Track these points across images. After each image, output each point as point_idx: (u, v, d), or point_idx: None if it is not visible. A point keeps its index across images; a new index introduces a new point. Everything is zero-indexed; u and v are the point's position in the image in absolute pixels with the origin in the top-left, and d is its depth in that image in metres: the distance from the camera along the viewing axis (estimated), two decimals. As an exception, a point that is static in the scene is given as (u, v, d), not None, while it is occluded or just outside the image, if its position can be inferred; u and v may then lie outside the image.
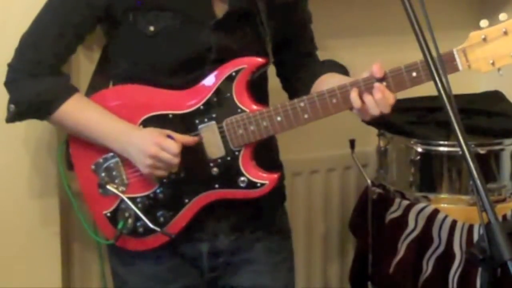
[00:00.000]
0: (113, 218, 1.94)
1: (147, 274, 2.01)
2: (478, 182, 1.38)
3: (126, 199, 1.91)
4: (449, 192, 2.63)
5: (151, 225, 1.90)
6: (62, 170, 2.01)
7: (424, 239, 2.59)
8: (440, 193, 2.64)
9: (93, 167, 1.94)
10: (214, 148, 1.88)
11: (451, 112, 1.42)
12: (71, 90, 1.92)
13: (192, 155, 1.86)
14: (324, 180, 3.03)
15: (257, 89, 1.92)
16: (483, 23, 1.78)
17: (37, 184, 2.34)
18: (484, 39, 1.77)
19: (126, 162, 1.91)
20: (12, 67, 1.92)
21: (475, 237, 2.53)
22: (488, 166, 2.60)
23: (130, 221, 1.92)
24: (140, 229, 1.92)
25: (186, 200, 1.91)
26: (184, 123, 1.88)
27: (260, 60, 1.87)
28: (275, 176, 1.90)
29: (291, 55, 2.09)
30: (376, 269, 2.75)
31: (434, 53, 1.48)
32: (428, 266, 2.60)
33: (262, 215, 2.03)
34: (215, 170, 1.88)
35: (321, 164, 3.02)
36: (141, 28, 1.87)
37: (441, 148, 2.63)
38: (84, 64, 2.26)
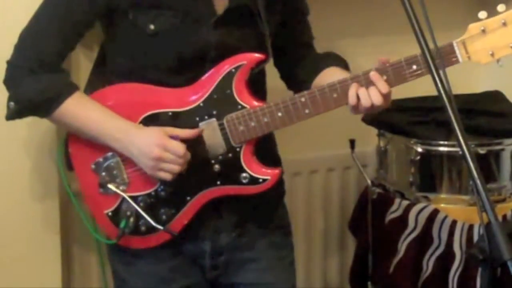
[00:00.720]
0: (115, 217, 1.94)
1: (148, 273, 2.01)
2: (478, 182, 1.38)
3: (127, 198, 1.91)
4: (449, 192, 2.63)
5: (153, 223, 1.89)
6: (62, 171, 2.01)
7: (424, 239, 2.59)
8: (440, 193, 2.64)
9: (93, 166, 1.94)
10: (215, 145, 1.87)
11: (451, 112, 1.42)
12: (71, 88, 1.91)
13: (194, 152, 1.86)
14: (324, 180, 3.03)
15: (256, 85, 1.92)
16: (482, 14, 1.79)
17: (38, 184, 2.34)
18: (483, 31, 1.78)
19: (127, 161, 1.91)
20: (12, 64, 1.91)
21: (475, 237, 2.53)
22: (488, 166, 2.60)
23: (132, 220, 1.91)
24: (143, 228, 1.92)
25: (188, 198, 1.91)
26: (184, 120, 1.88)
27: (259, 56, 1.88)
28: (277, 171, 1.90)
29: (291, 46, 2.09)
30: (376, 269, 2.75)
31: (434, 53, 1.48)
32: (428, 266, 2.60)
33: (263, 210, 2.03)
34: (216, 167, 1.88)
35: (321, 164, 3.02)
36: (141, 27, 1.86)
37: (441, 148, 2.63)
38: (84, 64, 2.26)
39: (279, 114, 1.85)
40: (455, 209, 2.60)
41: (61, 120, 1.93)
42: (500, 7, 1.78)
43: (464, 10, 3.22)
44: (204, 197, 1.91)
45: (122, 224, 1.92)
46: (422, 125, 2.73)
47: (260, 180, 1.89)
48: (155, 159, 1.82)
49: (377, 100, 1.81)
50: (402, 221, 2.63)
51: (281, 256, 2.10)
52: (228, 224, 2.00)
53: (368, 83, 1.81)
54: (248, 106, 1.86)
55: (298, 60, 2.09)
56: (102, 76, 1.98)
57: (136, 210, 1.90)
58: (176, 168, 1.84)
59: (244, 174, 1.88)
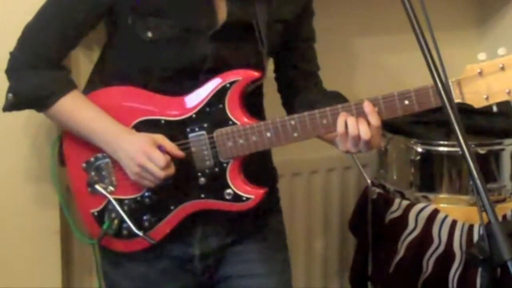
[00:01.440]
0: (100, 217, 1.95)
1: (137, 276, 2.01)
2: (478, 182, 1.38)
3: (112, 201, 1.92)
4: (449, 192, 2.63)
5: (134, 229, 1.90)
6: (53, 165, 2.01)
7: (424, 239, 2.59)
8: (440, 193, 2.64)
9: (84, 165, 1.95)
10: (203, 158, 1.88)
11: (451, 112, 1.42)
12: (69, 86, 1.92)
13: (181, 163, 1.86)
14: (324, 180, 3.03)
15: (253, 105, 1.92)
16: (481, 56, 1.73)
17: (38, 184, 2.34)
18: (480, 73, 1.74)
19: (117, 164, 1.91)
20: (14, 57, 1.92)
21: (475, 237, 2.53)
22: (488, 166, 2.60)
23: (115, 222, 1.92)
24: (125, 232, 1.93)
25: (172, 207, 1.91)
26: (175, 130, 1.88)
27: (255, 73, 1.86)
28: (261, 191, 1.89)
29: (294, 73, 2.08)
30: (376, 269, 2.75)
31: (434, 53, 1.48)
32: (428, 266, 2.60)
33: (253, 216, 2.01)
34: (202, 180, 1.89)
35: (321, 164, 3.02)
36: (139, 33, 1.86)
37: (441, 148, 2.63)
38: (83, 64, 2.26)
39: (268, 134, 1.84)
40: (455, 209, 2.60)
41: (55, 117, 1.95)
42: (501, 50, 1.72)
43: (464, 10, 3.23)
44: (188, 208, 1.91)
45: (105, 226, 1.93)
46: (422, 125, 2.73)
47: (244, 198, 1.88)
48: (138, 166, 1.83)
49: (365, 132, 1.77)
50: (402, 221, 2.63)
51: (273, 250, 2.09)
52: (216, 229, 1.99)
53: (359, 113, 1.79)
54: (238, 123, 1.86)
55: (299, 90, 2.07)
56: (101, 77, 1.99)
57: (120, 215, 1.91)
58: (156, 179, 1.84)
59: (228, 190, 1.88)
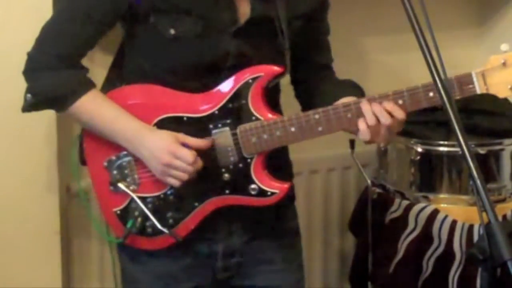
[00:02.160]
0: (123, 216, 1.94)
1: (160, 272, 2.01)
2: (478, 182, 1.38)
3: (136, 199, 1.91)
4: (449, 192, 2.64)
5: (159, 226, 1.90)
6: (75, 164, 2.00)
7: (424, 239, 2.59)
8: (440, 193, 2.64)
9: (105, 163, 1.94)
10: (227, 154, 1.87)
11: (451, 112, 1.42)
12: (88, 86, 1.91)
13: (205, 160, 1.86)
14: (324, 180, 3.03)
15: (270, 100, 1.92)
16: (504, 46, 1.75)
17: (38, 184, 2.34)
18: (504, 64, 1.75)
19: (139, 162, 1.90)
20: (31, 58, 1.91)
21: (475, 237, 2.53)
22: (488, 166, 2.60)
23: (139, 220, 1.91)
24: (149, 229, 1.92)
25: (196, 204, 1.91)
26: (198, 127, 1.87)
27: (277, 68, 1.87)
28: (286, 186, 1.90)
29: (309, 65, 2.08)
30: (376, 269, 2.75)
31: (434, 53, 1.48)
32: (428, 266, 2.60)
33: (274, 214, 2.02)
34: (226, 176, 1.88)
35: (321, 164, 3.02)
36: (162, 30, 1.86)
37: (441, 148, 2.63)
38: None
39: (292, 129, 1.85)
40: (455, 209, 2.60)
41: (76, 116, 1.93)
42: (503, 46, 1.74)
43: (464, 10, 3.23)
44: (212, 205, 1.91)
45: (129, 224, 1.92)
46: (422, 125, 2.73)
47: (269, 193, 1.88)
48: (165, 165, 1.83)
49: (386, 120, 1.80)
50: (402, 221, 2.63)
51: (290, 258, 2.11)
52: (240, 228, 2.00)
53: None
54: (262, 118, 1.86)
55: (315, 83, 2.07)
56: (120, 76, 1.98)
57: (144, 212, 1.91)
58: (184, 175, 1.84)
59: (253, 186, 1.88)
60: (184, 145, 1.84)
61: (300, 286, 2.15)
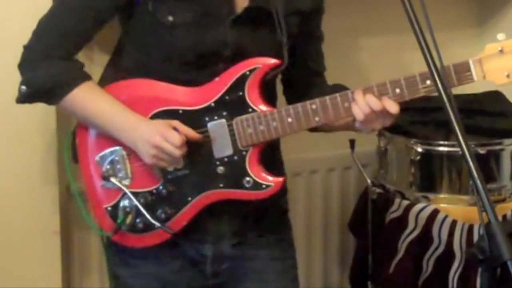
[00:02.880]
0: (114, 212, 1.93)
1: (150, 275, 2.00)
2: (478, 182, 1.38)
3: (128, 193, 1.91)
4: (449, 192, 2.63)
5: (151, 219, 1.89)
6: (67, 161, 2.00)
7: (424, 239, 2.59)
8: (440, 193, 2.64)
9: (97, 159, 1.94)
10: (222, 146, 1.87)
11: (451, 112, 1.42)
12: (83, 77, 1.92)
13: (199, 152, 1.86)
14: (324, 180, 3.03)
15: (268, 94, 1.91)
16: (500, 36, 1.75)
17: (38, 184, 2.34)
18: (501, 51, 1.75)
19: (132, 156, 1.91)
20: (28, 48, 1.91)
21: (475, 237, 2.53)
22: (488, 166, 2.60)
23: (130, 216, 1.91)
24: (140, 225, 1.91)
25: (189, 198, 1.90)
26: (193, 119, 1.87)
27: (275, 61, 1.86)
28: (280, 179, 1.88)
29: (301, 70, 2.08)
30: (376, 269, 2.75)
31: (434, 53, 1.48)
32: (428, 266, 2.60)
33: (265, 222, 2.02)
34: (221, 168, 1.88)
35: (321, 164, 3.02)
36: (160, 18, 1.86)
37: (441, 148, 2.63)
38: (84, 64, 2.26)
39: (289, 119, 1.84)
40: (455, 209, 2.60)
41: (70, 108, 1.93)
42: (500, 36, 1.75)
43: (464, 10, 3.23)
44: (206, 199, 1.90)
45: (120, 220, 1.91)
46: (422, 125, 2.73)
47: (263, 186, 1.87)
48: (155, 147, 1.82)
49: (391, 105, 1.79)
50: (402, 221, 2.63)
51: (283, 269, 2.08)
52: (229, 231, 1.98)
53: (380, 95, 1.80)
54: (258, 110, 1.86)
55: (306, 88, 2.07)
56: (116, 71, 1.98)
57: (135, 206, 1.90)
58: (170, 159, 1.83)
59: (247, 178, 1.87)
60: (176, 129, 1.84)
61: None
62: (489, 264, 1.39)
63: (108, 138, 1.92)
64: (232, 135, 1.86)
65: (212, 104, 1.87)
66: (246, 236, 2.01)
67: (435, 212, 2.58)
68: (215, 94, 1.87)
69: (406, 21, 1.48)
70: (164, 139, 1.82)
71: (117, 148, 1.92)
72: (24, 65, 1.91)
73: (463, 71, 1.76)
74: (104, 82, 1.98)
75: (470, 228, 2.54)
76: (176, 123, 1.85)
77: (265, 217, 2.01)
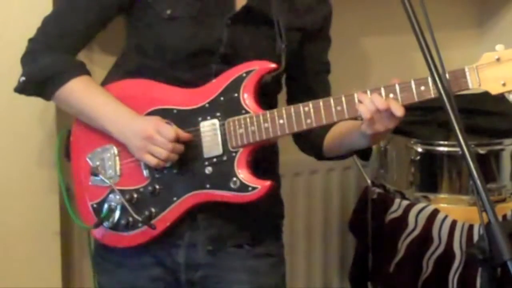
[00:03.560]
0: (98, 209, 1.93)
1: (128, 282, 1.99)
2: (478, 182, 1.38)
3: (115, 188, 1.90)
4: (449, 192, 2.63)
5: (135, 216, 1.88)
6: (58, 157, 2.01)
7: (424, 239, 2.59)
8: (440, 193, 2.64)
9: (89, 155, 1.95)
10: (212, 146, 1.86)
11: (451, 112, 1.42)
12: (82, 70, 1.93)
13: (188, 152, 1.86)
14: (324, 180, 3.03)
15: (268, 100, 1.91)
16: (499, 47, 1.75)
17: (38, 184, 2.34)
18: (498, 60, 1.74)
19: (122, 154, 1.91)
20: (31, 41, 1.94)
21: (475, 237, 2.53)
22: (488, 166, 2.60)
23: (114, 214, 1.91)
24: (123, 222, 1.91)
25: (175, 198, 1.89)
26: (187, 119, 1.87)
27: (271, 65, 1.86)
28: (268, 183, 1.85)
29: (304, 92, 2.04)
30: (376, 269, 2.75)
31: (434, 53, 1.48)
32: (428, 266, 2.60)
33: (248, 233, 1.99)
34: (209, 169, 1.87)
35: (321, 164, 3.00)
36: (158, 10, 1.87)
37: (441, 148, 2.63)
38: (85, 62, 2.26)
39: (281, 121, 1.83)
40: (455, 209, 2.60)
41: (66, 100, 1.93)
42: (498, 47, 1.73)
43: (464, 10, 3.23)
44: (191, 200, 1.89)
45: (103, 214, 1.91)
46: (422, 125, 2.73)
47: (250, 188, 1.84)
48: (146, 138, 1.82)
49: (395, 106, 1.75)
50: (402, 221, 2.63)
51: (267, 284, 2.02)
52: (204, 238, 1.95)
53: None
54: (251, 112, 1.86)
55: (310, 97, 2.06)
56: (117, 73, 1.99)
57: (121, 203, 1.90)
58: (163, 152, 1.82)
59: (234, 179, 1.85)
60: (169, 124, 1.84)
61: None
62: (489, 264, 1.39)
63: (101, 137, 1.92)
64: (223, 135, 1.86)
65: (207, 105, 1.87)
66: (223, 245, 1.97)
67: (435, 212, 2.59)
68: (211, 95, 1.87)
69: (406, 21, 1.48)
70: (156, 131, 1.82)
71: (109, 146, 1.93)
72: (26, 57, 1.93)
73: (458, 78, 1.75)
74: (104, 83, 1.99)
75: (470, 228, 2.54)
76: (168, 121, 1.86)
77: (249, 227, 1.98)
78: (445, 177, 2.64)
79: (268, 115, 1.84)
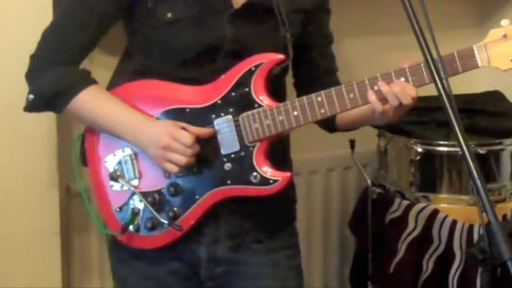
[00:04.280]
0: (122, 213, 1.93)
1: (146, 274, 2.00)
2: (478, 182, 1.38)
3: (136, 193, 1.90)
4: (449, 192, 2.64)
5: (160, 218, 1.89)
6: (75, 164, 2.00)
7: (424, 239, 2.60)
8: (440, 193, 2.65)
9: (106, 160, 1.94)
10: (229, 143, 1.86)
11: (451, 112, 1.42)
12: (89, 81, 1.92)
13: (206, 150, 1.86)
14: (324, 180, 3.03)
15: (276, 91, 1.91)
16: (504, 22, 1.76)
17: (38, 184, 2.34)
18: (505, 36, 1.75)
19: (139, 157, 1.90)
20: (34, 57, 1.92)
21: (475, 237, 2.53)
22: (488, 166, 2.60)
23: (138, 216, 1.91)
24: (148, 225, 1.91)
25: (197, 197, 1.89)
26: (200, 117, 1.87)
27: (280, 56, 1.86)
28: (288, 174, 1.87)
29: (313, 69, 2.07)
30: (376, 269, 2.75)
31: (434, 53, 1.48)
32: (428, 266, 2.60)
33: (266, 227, 2.01)
34: (228, 165, 1.87)
35: (321, 164, 3.02)
36: (159, 15, 1.87)
37: (441, 148, 2.63)
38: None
39: (295, 113, 1.84)
40: (455, 209, 2.60)
41: (77, 112, 1.93)
42: (503, 22, 1.75)
43: (464, 10, 3.23)
44: (213, 197, 1.89)
45: (127, 219, 1.91)
46: (422, 125, 2.73)
47: (271, 181, 1.86)
48: (163, 148, 1.82)
49: (406, 99, 1.80)
50: (402, 221, 2.64)
51: (286, 276, 2.06)
52: (226, 234, 1.97)
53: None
54: (264, 105, 1.86)
55: (320, 88, 2.00)
56: (122, 76, 1.98)
57: (144, 206, 1.90)
58: (183, 159, 1.82)
59: (254, 174, 1.86)
60: (183, 129, 1.84)
61: None
62: (489, 264, 1.39)
63: (116, 140, 1.91)
64: (239, 130, 1.86)
65: (219, 101, 1.87)
66: (243, 241, 1.99)
67: (435, 212, 2.59)
68: (221, 91, 1.87)
69: (406, 21, 1.48)
70: (173, 139, 1.82)
71: (125, 149, 1.92)
72: (30, 74, 1.92)
73: (467, 57, 1.76)
74: (110, 87, 1.99)
75: (470, 228, 2.54)
76: (183, 124, 1.85)
77: (267, 222, 2.00)
78: (445, 177, 2.64)
79: (281, 108, 1.84)
